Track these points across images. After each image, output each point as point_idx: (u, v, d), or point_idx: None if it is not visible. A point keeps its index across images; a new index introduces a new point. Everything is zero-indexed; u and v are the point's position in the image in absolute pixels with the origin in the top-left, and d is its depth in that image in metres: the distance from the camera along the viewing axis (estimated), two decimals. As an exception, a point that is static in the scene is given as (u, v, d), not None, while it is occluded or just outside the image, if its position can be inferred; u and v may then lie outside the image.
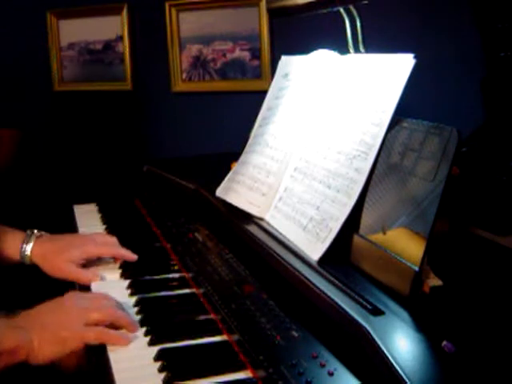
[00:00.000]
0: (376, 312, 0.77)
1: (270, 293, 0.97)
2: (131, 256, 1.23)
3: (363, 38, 1.19)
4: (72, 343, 0.91)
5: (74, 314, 0.95)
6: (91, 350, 0.93)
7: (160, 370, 0.83)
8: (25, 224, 1.28)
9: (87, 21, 2.69)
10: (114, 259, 1.25)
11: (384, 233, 0.89)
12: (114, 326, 0.95)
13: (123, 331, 0.95)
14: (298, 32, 2.04)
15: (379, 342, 0.70)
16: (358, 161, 0.97)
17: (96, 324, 0.94)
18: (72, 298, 1.01)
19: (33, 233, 1.24)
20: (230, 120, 2.35)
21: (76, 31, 2.73)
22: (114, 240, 1.28)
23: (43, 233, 1.26)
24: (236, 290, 1.01)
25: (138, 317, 1.00)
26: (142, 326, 0.97)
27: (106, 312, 0.96)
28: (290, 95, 1.22)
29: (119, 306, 1.01)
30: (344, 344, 0.77)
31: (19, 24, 2.79)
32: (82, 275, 1.17)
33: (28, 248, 1.21)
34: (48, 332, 0.92)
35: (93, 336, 0.92)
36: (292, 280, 0.92)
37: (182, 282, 1.14)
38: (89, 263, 1.22)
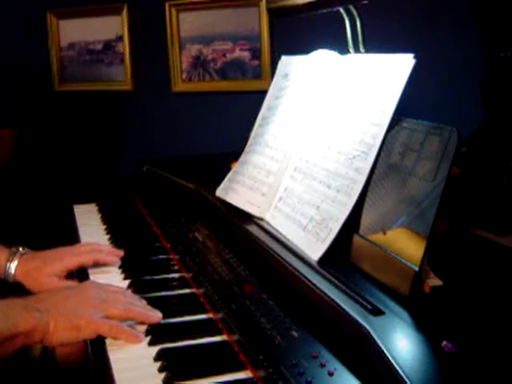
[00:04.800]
0: (376, 312, 0.77)
1: (270, 293, 0.97)
2: (112, 259, 1.21)
3: (363, 38, 1.19)
4: (86, 332, 0.92)
5: (92, 304, 0.96)
6: (91, 349, 0.93)
7: (160, 370, 0.83)
8: (25, 224, 1.27)
9: (87, 21, 2.70)
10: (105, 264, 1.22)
11: (384, 233, 0.89)
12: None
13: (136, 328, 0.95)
14: (298, 32, 2.04)
15: (379, 342, 0.70)
16: (358, 161, 0.97)
17: (112, 318, 0.95)
18: (91, 287, 1.02)
19: (18, 250, 1.22)
20: (230, 120, 2.35)
21: (76, 31, 2.73)
22: (93, 247, 1.25)
23: (28, 250, 1.23)
24: (236, 290, 1.01)
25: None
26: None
27: (124, 308, 0.97)
28: (289, 95, 1.22)
29: (136, 300, 1.01)
30: (344, 344, 0.77)
31: (19, 24, 2.79)
32: None
33: (12, 266, 1.19)
34: (64, 317, 0.92)
35: (107, 329, 0.93)
36: (292, 280, 0.92)
37: (182, 282, 1.14)
38: (89, 267, 1.21)
